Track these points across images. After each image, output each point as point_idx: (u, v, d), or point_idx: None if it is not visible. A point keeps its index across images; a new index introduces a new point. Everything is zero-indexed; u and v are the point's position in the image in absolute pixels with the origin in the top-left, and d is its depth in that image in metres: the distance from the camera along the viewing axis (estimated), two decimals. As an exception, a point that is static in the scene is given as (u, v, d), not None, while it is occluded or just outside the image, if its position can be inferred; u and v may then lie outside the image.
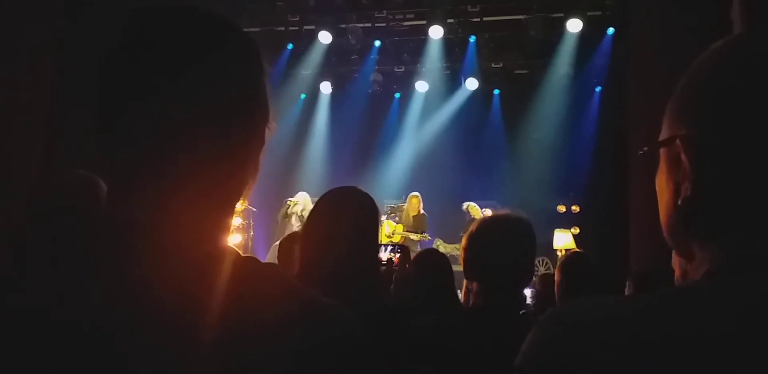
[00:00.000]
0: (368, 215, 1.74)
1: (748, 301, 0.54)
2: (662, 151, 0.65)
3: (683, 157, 0.61)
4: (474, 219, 7.37)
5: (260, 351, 0.60)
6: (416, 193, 8.14)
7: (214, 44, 0.69)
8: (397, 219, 8.17)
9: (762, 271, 0.55)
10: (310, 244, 1.70)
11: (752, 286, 0.55)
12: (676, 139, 0.62)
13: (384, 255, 3.32)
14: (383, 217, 8.22)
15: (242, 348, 0.59)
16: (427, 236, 7.98)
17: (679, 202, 0.62)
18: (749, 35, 0.63)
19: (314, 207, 1.80)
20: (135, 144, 0.66)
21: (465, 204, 8.16)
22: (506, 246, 1.78)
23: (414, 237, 7.92)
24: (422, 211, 8.09)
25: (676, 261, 0.66)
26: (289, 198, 7.73)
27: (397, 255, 3.41)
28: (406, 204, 8.16)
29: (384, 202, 8.64)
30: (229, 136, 0.68)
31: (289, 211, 7.65)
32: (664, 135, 0.65)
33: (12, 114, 5.06)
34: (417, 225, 8.01)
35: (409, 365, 1.64)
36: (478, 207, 8.04)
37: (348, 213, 1.72)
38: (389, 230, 8.00)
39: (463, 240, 1.86)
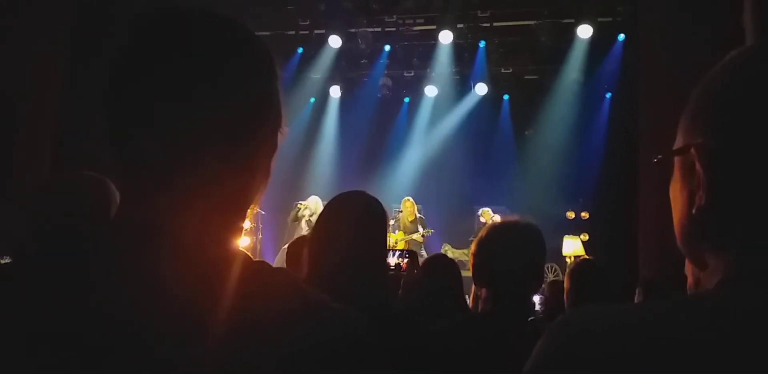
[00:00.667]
0: (372, 216, 1.75)
1: (760, 311, 0.53)
2: (677, 159, 0.65)
3: (698, 165, 0.61)
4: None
5: (264, 349, 0.61)
6: (408, 197, 8.15)
7: (228, 49, 0.68)
8: (397, 225, 8.15)
9: None
10: (316, 246, 1.71)
11: (765, 296, 0.54)
12: (690, 148, 0.62)
13: (392, 260, 3.33)
14: (392, 221, 8.23)
15: (247, 344, 0.61)
16: (430, 230, 7.96)
17: (694, 211, 0.62)
18: (764, 46, 0.62)
19: (322, 211, 1.82)
20: (149, 150, 0.66)
21: (480, 210, 8.14)
22: (515, 253, 1.77)
23: (417, 237, 7.92)
24: (418, 214, 8.10)
25: (689, 268, 0.66)
26: (300, 202, 7.75)
27: (405, 260, 3.42)
28: (401, 211, 8.16)
29: (392, 207, 8.64)
30: (242, 142, 0.68)
31: (299, 214, 7.67)
32: (678, 143, 0.65)
33: (22, 115, 5.10)
34: (416, 228, 8.00)
35: (415, 369, 1.63)
36: (491, 212, 8.02)
37: (351, 214, 1.73)
38: (391, 241, 8.00)
39: (473, 246, 1.86)
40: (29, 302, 0.62)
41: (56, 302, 0.61)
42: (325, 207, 1.80)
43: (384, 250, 1.81)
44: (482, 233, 1.86)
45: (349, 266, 1.63)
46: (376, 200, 1.79)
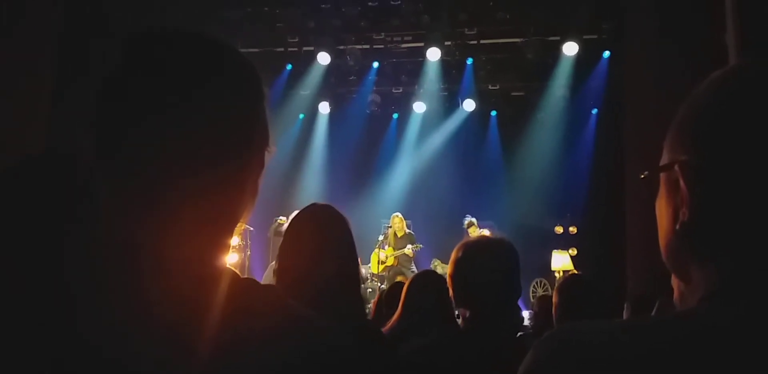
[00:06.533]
0: (330, 225, 1.77)
1: (738, 327, 0.55)
2: (662, 175, 0.66)
3: (681, 182, 0.62)
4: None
5: (252, 365, 0.61)
6: (397, 213, 8.17)
7: (215, 70, 0.69)
8: (386, 241, 8.14)
9: (756, 296, 0.56)
10: (280, 263, 1.75)
11: (744, 312, 0.56)
12: (675, 165, 0.63)
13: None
14: (381, 237, 8.22)
15: (236, 361, 0.61)
16: (419, 245, 7.95)
17: (677, 226, 0.63)
18: (746, 66, 0.64)
19: (285, 230, 1.83)
20: (136, 168, 0.66)
21: (466, 221, 8.08)
22: (490, 267, 1.79)
23: (408, 252, 7.91)
24: (407, 230, 8.11)
25: (675, 282, 0.67)
26: (280, 216, 7.72)
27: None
28: (390, 226, 8.16)
29: (381, 222, 8.62)
30: (228, 160, 0.68)
31: (281, 229, 7.62)
32: (664, 160, 0.66)
33: (9, 131, 5.07)
34: (405, 243, 8.00)
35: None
36: (476, 224, 7.98)
37: (309, 227, 1.77)
38: (383, 256, 7.99)
39: (449, 268, 1.87)
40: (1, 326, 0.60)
41: (29, 327, 0.60)
42: (288, 226, 1.81)
43: (352, 259, 1.79)
44: (456, 253, 1.86)
45: (314, 277, 1.64)
46: (331, 207, 1.82)
